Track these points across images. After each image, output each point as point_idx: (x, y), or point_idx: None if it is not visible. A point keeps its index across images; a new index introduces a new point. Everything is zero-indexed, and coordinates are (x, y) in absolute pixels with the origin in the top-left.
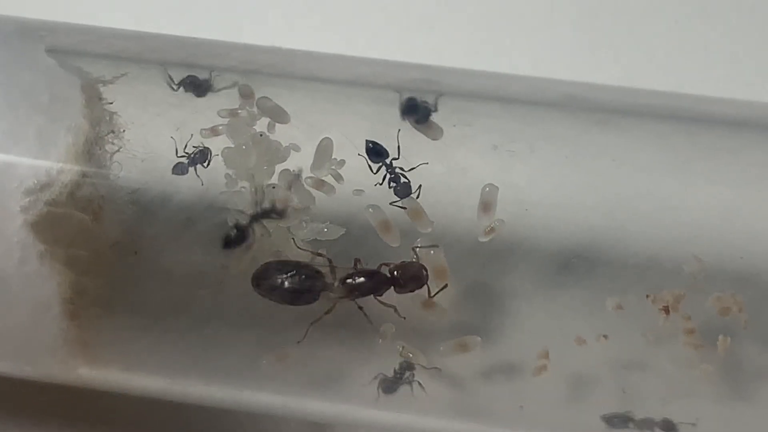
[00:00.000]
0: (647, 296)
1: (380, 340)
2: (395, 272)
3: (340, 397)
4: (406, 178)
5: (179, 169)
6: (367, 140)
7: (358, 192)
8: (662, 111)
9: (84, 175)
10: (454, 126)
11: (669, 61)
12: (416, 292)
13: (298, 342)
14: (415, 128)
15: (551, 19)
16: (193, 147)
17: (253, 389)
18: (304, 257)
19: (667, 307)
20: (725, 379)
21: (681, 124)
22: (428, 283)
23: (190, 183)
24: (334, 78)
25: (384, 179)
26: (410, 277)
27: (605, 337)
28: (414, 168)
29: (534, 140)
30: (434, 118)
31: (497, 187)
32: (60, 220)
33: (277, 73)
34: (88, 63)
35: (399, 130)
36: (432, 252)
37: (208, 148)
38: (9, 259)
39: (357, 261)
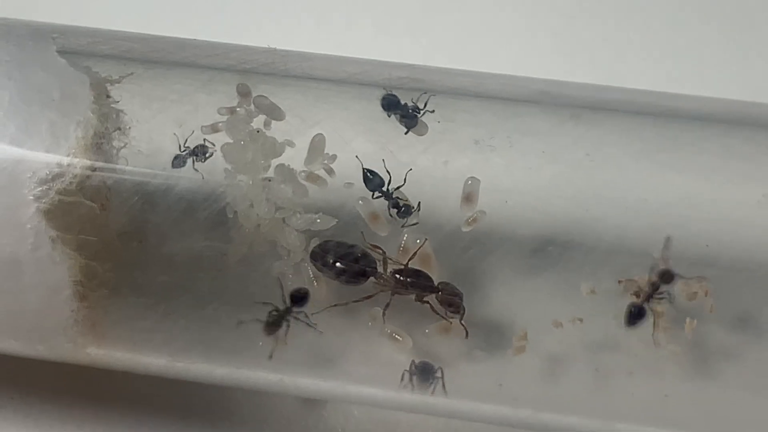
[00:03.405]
0: (619, 281)
1: (370, 323)
2: (440, 288)
3: (332, 375)
4: (403, 200)
5: (178, 162)
6: (364, 169)
7: (349, 185)
8: (631, 106)
9: (92, 167)
10: (438, 122)
11: (637, 60)
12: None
13: (334, 306)
14: (402, 124)
15: (528, 22)
16: (206, 143)
17: (251, 367)
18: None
19: (638, 291)
20: (692, 359)
21: (648, 119)
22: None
23: (191, 176)
24: (327, 77)
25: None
26: (449, 299)
27: (580, 320)
28: (405, 181)
29: (512, 134)
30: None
31: (479, 180)
32: (70, 209)
33: (273, 72)
34: (97, 63)
35: (410, 169)
36: (418, 241)
37: (205, 145)
38: (23, 245)
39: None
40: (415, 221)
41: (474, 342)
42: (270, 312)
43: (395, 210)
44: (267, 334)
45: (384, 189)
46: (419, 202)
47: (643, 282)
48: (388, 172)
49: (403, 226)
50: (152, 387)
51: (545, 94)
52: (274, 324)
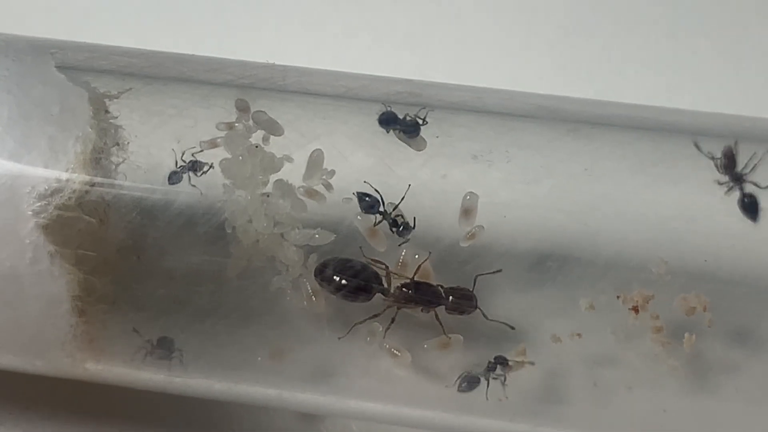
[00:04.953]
0: (618, 297)
1: (368, 338)
2: (449, 296)
3: (331, 390)
4: (402, 219)
5: (174, 179)
6: (357, 193)
7: (347, 200)
8: (629, 121)
9: (91, 182)
10: (437, 137)
11: (634, 75)
12: None
13: (340, 338)
14: (401, 139)
15: (526, 38)
16: (192, 157)
17: (249, 382)
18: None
19: (637, 306)
20: (691, 374)
21: (646, 133)
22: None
23: (190, 190)
24: (325, 91)
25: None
26: (460, 304)
27: (579, 335)
28: (403, 198)
29: (510, 149)
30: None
31: (477, 195)
32: (69, 223)
33: (271, 87)
34: (95, 78)
35: (410, 185)
36: (417, 256)
37: (199, 161)
38: (21, 259)
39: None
40: (408, 237)
41: (472, 357)
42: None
43: (395, 228)
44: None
45: (381, 210)
46: (414, 218)
47: (642, 297)
48: (377, 191)
49: (400, 245)
50: (151, 402)
51: (543, 108)
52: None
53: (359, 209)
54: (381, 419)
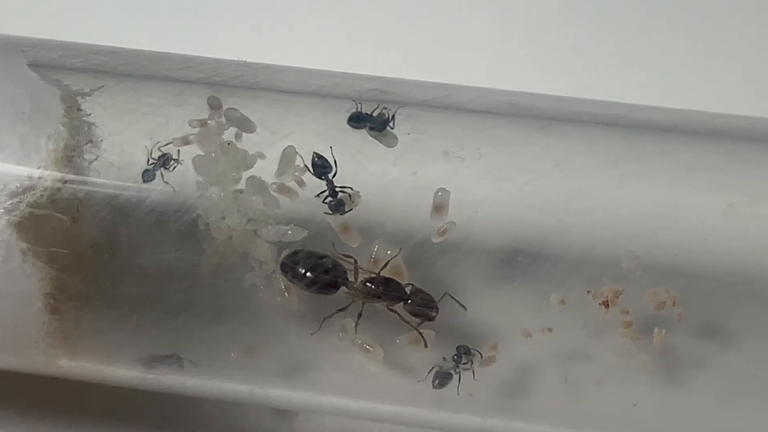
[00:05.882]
0: (588, 292)
1: (341, 334)
2: (411, 296)
3: (304, 386)
4: (341, 195)
5: (148, 176)
6: (314, 152)
7: (320, 196)
8: (599, 118)
9: (64, 180)
10: (408, 134)
11: (604, 72)
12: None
13: (312, 334)
14: (372, 136)
15: (497, 35)
16: (159, 152)
17: (222, 379)
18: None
19: (607, 301)
20: (660, 368)
21: (616, 130)
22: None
23: (162, 188)
24: (297, 89)
25: (322, 193)
26: (421, 307)
27: (549, 330)
28: (352, 190)
29: (481, 146)
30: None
31: (449, 192)
32: (41, 221)
33: (243, 84)
34: (67, 76)
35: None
36: (389, 252)
37: (168, 154)
38: None
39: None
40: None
41: (444, 352)
42: None
43: (330, 199)
44: None
45: (329, 176)
46: (349, 210)
47: (612, 292)
48: (335, 160)
49: (317, 195)
50: (124, 399)
51: (514, 105)
52: None
53: (311, 170)
54: (354, 414)
